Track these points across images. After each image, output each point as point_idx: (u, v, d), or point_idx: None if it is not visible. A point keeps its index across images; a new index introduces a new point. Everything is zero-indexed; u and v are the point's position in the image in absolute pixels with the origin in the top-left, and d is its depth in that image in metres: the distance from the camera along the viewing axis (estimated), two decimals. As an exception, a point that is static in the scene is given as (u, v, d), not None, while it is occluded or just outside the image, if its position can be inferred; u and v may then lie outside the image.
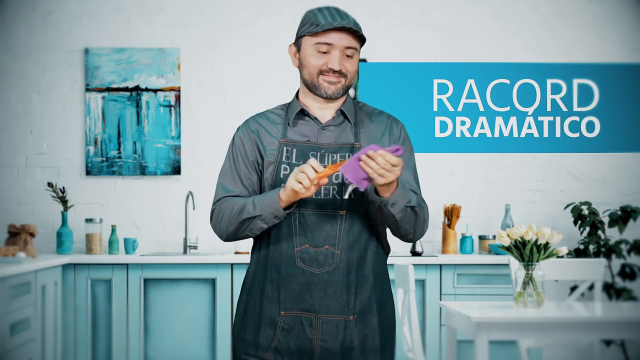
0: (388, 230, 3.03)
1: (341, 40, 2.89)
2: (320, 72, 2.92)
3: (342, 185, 2.90)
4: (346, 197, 2.86)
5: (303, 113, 2.99)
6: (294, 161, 2.93)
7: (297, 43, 2.97)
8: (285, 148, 2.94)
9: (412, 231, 2.95)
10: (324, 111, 2.99)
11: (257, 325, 2.93)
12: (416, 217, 2.91)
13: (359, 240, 2.92)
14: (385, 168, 2.74)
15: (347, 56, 2.91)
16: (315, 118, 2.98)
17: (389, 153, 2.73)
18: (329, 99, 2.95)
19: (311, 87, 2.95)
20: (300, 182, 2.77)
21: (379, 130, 2.99)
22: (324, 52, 2.90)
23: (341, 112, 2.98)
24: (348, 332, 2.91)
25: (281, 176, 2.92)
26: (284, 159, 2.93)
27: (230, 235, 2.97)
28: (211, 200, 6.33)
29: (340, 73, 2.92)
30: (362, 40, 2.93)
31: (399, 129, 3.02)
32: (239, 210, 2.90)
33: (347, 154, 2.92)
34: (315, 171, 2.77)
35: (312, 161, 2.78)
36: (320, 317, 2.89)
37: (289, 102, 3.04)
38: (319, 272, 2.89)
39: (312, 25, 2.90)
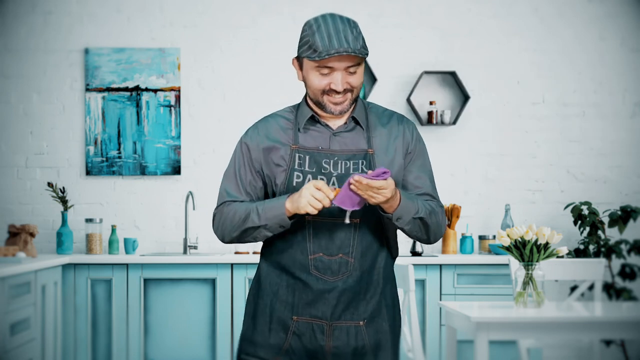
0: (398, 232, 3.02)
1: (342, 62, 2.81)
2: (324, 92, 2.85)
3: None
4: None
5: (313, 119, 2.94)
6: (306, 168, 2.89)
7: (300, 60, 2.89)
8: (297, 155, 2.90)
9: (425, 237, 2.95)
10: (335, 120, 2.94)
11: (268, 327, 2.92)
12: (426, 226, 2.90)
13: (371, 248, 2.91)
14: (371, 191, 2.72)
15: (350, 73, 2.83)
16: (327, 124, 2.93)
17: (372, 180, 2.71)
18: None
19: (317, 105, 2.89)
20: (314, 206, 2.75)
21: (391, 135, 2.94)
22: (326, 74, 2.83)
23: (353, 118, 2.93)
24: (360, 337, 2.90)
25: (294, 184, 2.88)
26: (296, 166, 2.89)
27: (233, 240, 2.95)
28: (212, 201, 6.33)
29: (345, 91, 2.85)
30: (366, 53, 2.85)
31: (411, 131, 2.97)
32: (242, 219, 2.88)
33: (359, 161, 2.88)
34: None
35: (323, 186, 2.74)
36: (332, 324, 2.88)
37: (298, 105, 2.99)
38: (333, 280, 2.88)
39: (309, 49, 2.80)
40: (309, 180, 2.88)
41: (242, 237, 2.92)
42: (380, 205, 2.80)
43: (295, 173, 2.89)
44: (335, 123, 2.94)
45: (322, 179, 2.87)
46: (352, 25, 2.83)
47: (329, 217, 2.88)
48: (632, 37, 6.52)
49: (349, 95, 2.86)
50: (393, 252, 3.01)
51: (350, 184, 2.72)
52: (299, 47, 2.87)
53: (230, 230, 2.92)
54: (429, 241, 2.98)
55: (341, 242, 2.88)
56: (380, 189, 2.72)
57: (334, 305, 2.87)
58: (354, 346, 2.90)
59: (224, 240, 2.97)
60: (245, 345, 2.96)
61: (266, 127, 2.97)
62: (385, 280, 2.96)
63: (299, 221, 2.89)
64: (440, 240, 6.40)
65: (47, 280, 5.42)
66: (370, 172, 2.74)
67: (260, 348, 2.92)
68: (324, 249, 2.88)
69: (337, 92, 2.84)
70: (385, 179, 2.72)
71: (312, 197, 2.74)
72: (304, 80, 2.90)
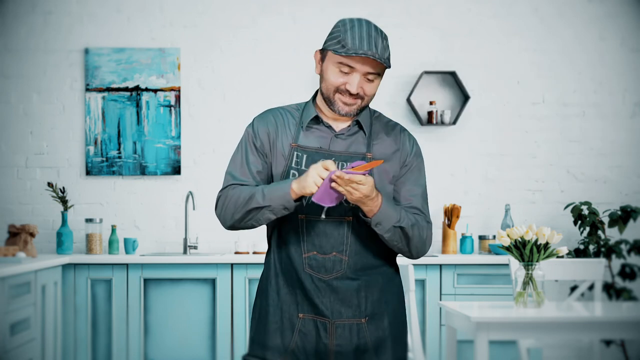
0: None
1: (364, 66, 2.83)
2: (338, 90, 2.87)
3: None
4: (323, 217, 2.85)
5: (317, 119, 2.96)
6: (303, 167, 2.90)
7: (323, 53, 2.91)
8: (295, 153, 2.92)
9: (406, 249, 2.94)
10: (339, 122, 2.96)
11: (274, 327, 2.93)
12: (407, 237, 2.90)
13: (367, 245, 2.92)
14: (350, 186, 2.73)
15: (368, 80, 2.86)
16: (330, 126, 2.95)
17: (353, 174, 2.71)
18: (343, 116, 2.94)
19: (327, 100, 2.91)
20: (319, 187, 2.76)
21: (391, 145, 2.96)
22: (345, 72, 2.85)
23: (357, 122, 2.95)
24: (361, 335, 2.91)
25: None
26: (293, 165, 2.91)
27: (235, 224, 2.94)
28: (212, 201, 6.33)
29: (357, 95, 2.87)
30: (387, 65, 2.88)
31: (411, 144, 2.99)
32: (246, 200, 2.88)
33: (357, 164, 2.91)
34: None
35: (331, 166, 2.75)
36: (334, 322, 2.90)
37: (305, 104, 3.01)
38: (327, 278, 2.89)
39: (338, 43, 2.83)
40: None
41: (245, 219, 2.90)
42: (360, 207, 2.81)
43: (292, 171, 2.92)
44: (339, 125, 2.96)
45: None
46: (383, 36, 2.87)
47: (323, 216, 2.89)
48: (632, 37, 6.52)
49: (359, 101, 2.89)
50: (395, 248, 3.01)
51: (331, 180, 2.73)
52: (327, 40, 2.89)
53: (234, 212, 2.91)
54: (410, 254, 2.96)
55: (335, 240, 2.89)
56: (359, 184, 2.73)
57: (331, 302, 2.89)
58: (356, 344, 2.91)
59: (225, 223, 2.96)
60: (252, 348, 2.98)
61: (271, 120, 2.99)
62: (386, 276, 2.96)
63: (294, 220, 2.90)
64: (440, 240, 6.40)
65: (47, 280, 5.42)
66: (354, 163, 2.75)
67: (268, 350, 2.94)
68: (317, 248, 2.89)
69: (350, 94, 2.86)
70: (364, 174, 2.72)
71: (318, 177, 2.75)
72: (322, 73, 2.92)
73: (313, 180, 2.75)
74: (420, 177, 3.00)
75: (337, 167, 2.89)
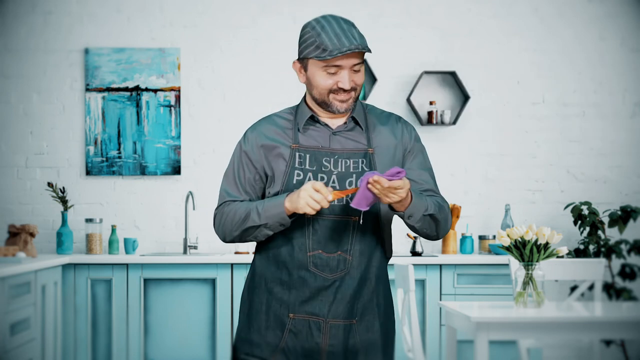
0: (393, 233, 3.04)
1: (350, 60, 2.85)
2: (331, 92, 2.89)
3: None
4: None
5: (313, 119, 2.96)
6: (307, 167, 2.91)
7: (303, 62, 2.92)
8: (297, 154, 2.92)
9: (434, 234, 2.98)
10: (335, 119, 2.97)
11: (264, 325, 2.93)
12: (436, 222, 2.94)
13: (368, 247, 2.93)
14: (389, 191, 2.75)
15: (355, 71, 2.88)
16: (326, 124, 2.95)
17: (392, 180, 2.73)
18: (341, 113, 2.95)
19: (322, 105, 2.92)
20: (312, 207, 2.77)
21: (390, 135, 2.98)
22: (333, 73, 2.86)
23: (352, 118, 2.96)
24: (352, 335, 2.92)
25: (294, 182, 2.90)
26: (296, 165, 2.91)
27: (234, 240, 2.98)
28: (212, 201, 6.33)
29: (350, 89, 2.89)
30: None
31: (409, 131, 3.02)
32: (242, 218, 2.90)
33: (360, 160, 2.91)
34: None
35: (322, 188, 2.76)
36: (329, 322, 2.90)
37: (297, 106, 3.01)
38: (331, 277, 2.90)
39: (318, 48, 2.83)
40: (309, 178, 2.90)
41: (243, 236, 2.94)
42: (391, 203, 2.82)
43: (296, 171, 2.91)
44: (335, 123, 2.97)
45: (322, 177, 2.89)
46: (353, 24, 2.89)
47: (330, 215, 2.89)
48: (632, 37, 6.52)
49: (352, 93, 2.91)
50: (387, 253, 3.03)
51: (368, 183, 2.74)
52: (303, 49, 2.89)
53: (231, 230, 2.95)
54: (437, 237, 3.01)
55: (340, 239, 2.90)
56: (397, 189, 2.75)
57: (330, 302, 2.89)
58: (347, 345, 2.91)
59: (225, 240, 3.00)
60: (241, 345, 2.97)
61: (265, 127, 2.99)
62: (378, 280, 2.98)
63: (299, 218, 2.91)
64: (440, 240, 6.40)
65: (47, 280, 5.42)
66: (389, 171, 2.76)
67: (257, 347, 2.93)
68: (323, 246, 2.90)
69: (344, 90, 2.88)
70: (401, 179, 2.74)
71: (310, 199, 2.77)
72: (308, 81, 2.92)
73: (305, 202, 2.76)
74: (425, 160, 3.04)
75: (341, 168, 2.91)
